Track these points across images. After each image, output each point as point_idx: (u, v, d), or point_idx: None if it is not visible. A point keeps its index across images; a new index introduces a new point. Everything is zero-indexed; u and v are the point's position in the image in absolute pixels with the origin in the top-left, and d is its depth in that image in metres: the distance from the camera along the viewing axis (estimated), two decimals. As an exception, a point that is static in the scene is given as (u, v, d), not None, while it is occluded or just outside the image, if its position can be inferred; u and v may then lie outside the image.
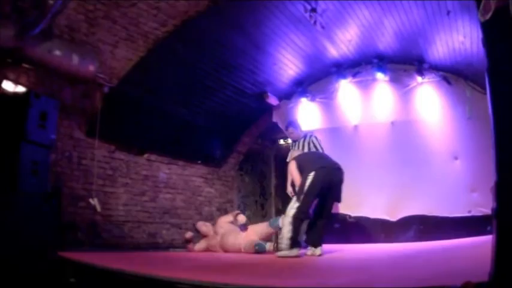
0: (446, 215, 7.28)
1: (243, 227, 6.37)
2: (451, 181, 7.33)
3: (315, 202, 5.11)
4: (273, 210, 10.53)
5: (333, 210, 5.58)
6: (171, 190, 8.19)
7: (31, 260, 3.80)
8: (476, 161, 7.07)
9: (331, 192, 5.12)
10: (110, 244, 6.66)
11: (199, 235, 6.83)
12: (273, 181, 10.87)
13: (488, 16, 2.16)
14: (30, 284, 3.53)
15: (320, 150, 6.20)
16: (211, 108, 8.28)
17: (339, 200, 5.31)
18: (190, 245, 6.69)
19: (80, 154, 6.48)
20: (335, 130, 7.79)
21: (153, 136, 7.67)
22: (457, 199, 7.24)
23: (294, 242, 4.81)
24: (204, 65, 7.27)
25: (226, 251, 6.28)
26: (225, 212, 9.40)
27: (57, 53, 5.52)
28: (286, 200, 7.02)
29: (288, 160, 7.05)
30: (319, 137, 6.53)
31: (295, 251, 4.78)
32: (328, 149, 6.57)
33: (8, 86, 5.35)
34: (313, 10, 6.20)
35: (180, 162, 8.47)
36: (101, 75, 6.29)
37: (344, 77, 8.36)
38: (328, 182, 5.04)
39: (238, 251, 6.05)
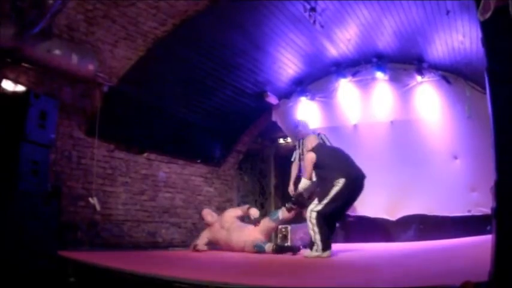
0: (446, 214, 7.28)
1: (257, 222, 6.26)
2: (451, 180, 7.32)
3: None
4: (273, 209, 10.52)
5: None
6: (170, 189, 8.19)
7: (31, 259, 3.80)
8: (476, 160, 7.07)
9: (353, 199, 5.12)
10: (110, 243, 6.66)
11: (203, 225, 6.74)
12: (273, 180, 10.87)
13: (487, 15, 2.16)
14: (30, 283, 3.53)
15: None
16: (210, 107, 8.28)
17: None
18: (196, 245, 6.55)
19: (79, 153, 6.48)
20: (334, 129, 7.78)
21: (152, 135, 7.67)
22: (457, 199, 7.24)
23: (326, 243, 4.75)
24: (204, 65, 7.26)
25: (230, 247, 6.20)
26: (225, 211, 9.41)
27: (57, 52, 5.51)
28: (286, 199, 7.05)
29: (292, 159, 7.07)
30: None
31: (327, 253, 4.71)
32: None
33: (8, 85, 5.34)
34: (313, 9, 6.19)
35: (180, 162, 8.47)
36: (101, 75, 6.28)
37: (344, 76, 8.35)
38: (355, 192, 5.01)
39: (242, 249, 6.00)
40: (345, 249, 5.45)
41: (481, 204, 6.75)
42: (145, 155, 7.70)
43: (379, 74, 8.03)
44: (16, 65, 5.45)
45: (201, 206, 8.79)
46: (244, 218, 6.51)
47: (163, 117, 7.63)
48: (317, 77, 8.73)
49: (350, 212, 7.90)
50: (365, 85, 8.32)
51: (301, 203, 5.72)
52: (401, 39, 7.23)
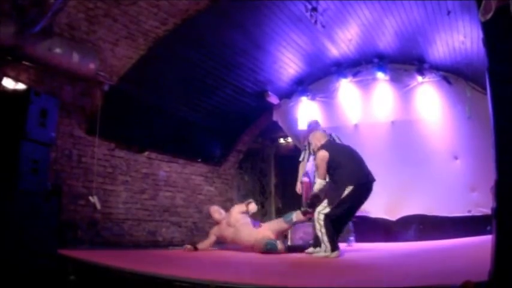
0: (446, 214, 7.29)
1: (256, 221, 6.18)
2: (451, 181, 7.33)
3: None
4: (273, 209, 10.53)
5: None
6: (171, 188, 8.19)
7: (31, 258, 3.80)
8: (476, 160, 7.08)
9: (361, 203, 5.04)
10: (110, 242, 6.67)
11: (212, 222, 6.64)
12: (273, 180, 10.87)
13: (488, 16, 2.16)
14: (30, 282, 3.53)
15: None
16: (211, 106, 8.28)
17: None
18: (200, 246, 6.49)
19: (80, 152, 6.48)
20: (335, 129, 7.75)
21: (153, 134, 7.67)
22: (457, 199, 7.24)
23: (334, 244, 4.70)
24: (204, 64, 7.26)
25: (238, 245, 6.07)
26: (225, 210, 9.41)
27: (58, 51, 5.51)
28: (286, 199, 7.04)
29: (300, 159, 7.07)
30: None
31: (335, 254, 4.65)
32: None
33: (8, 83, 5.35)
34: (314, 9, 6.20)
35: (180, 161, 8.47)
36: (101, 74, 6.29)
37: (344, 76, 8.36)
38: (363, 196, 4.94)
39: (251, 247, 5.86)
40: (345, 249, 5.45)
41: (481, 204, 6.76)
42: (145, 154, 7.71)
43: (380, 74, 8.04)
44: (17, 63, 5.45)
45: (201, 205, 8.81)
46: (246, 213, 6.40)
47: (164, 116, 7.63)
48: (318, 77, 8.74)
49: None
50: (366, 85, 8.33)
51: (316, 205, 5.45)
52: (402, 39, 7.23)
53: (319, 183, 5.11)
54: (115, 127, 6.93)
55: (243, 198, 10.10)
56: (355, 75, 8.38)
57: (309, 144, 7.02)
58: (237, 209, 6.27)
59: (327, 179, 5.04)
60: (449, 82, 7.69)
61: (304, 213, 5.71)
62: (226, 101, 8.34)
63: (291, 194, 7.26)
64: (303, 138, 9.32)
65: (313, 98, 8.78)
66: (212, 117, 8.50)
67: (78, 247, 5.57)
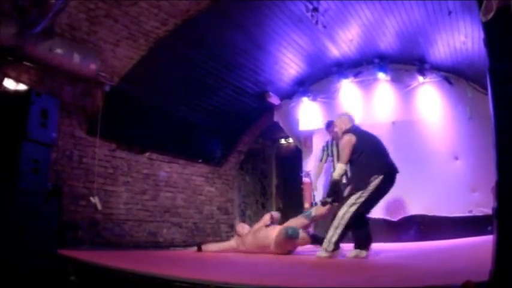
0: (447, 214, 7.29)
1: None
2: (452, 181, 7.33)
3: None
4: (274, 209, 10.51)
5: None
6: (171, 189, 8.19)
7: (31, 258, 3.80)
8: (477, 161, 7.08)
9: (384, 195, 4.79)
10: (111, 242, 6.67)
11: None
12: (274, 180, 10.88)
13: (489, 16, 2.16)
14: (30, 282, 3.53)
15: None
16: (212, 107, 8.28)
17: None
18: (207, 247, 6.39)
19: (80, 153, 6.48)
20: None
21: (154, 135, 7.67)
22: (458, 199, 7.24)
23: (337, 246, 4.57)
24: (205, 64, 7.27)
25: (256, 247, 5.82)
26: (225, 211, 9.43)
27: (59, 51, 5.52)
28: (287, 199, 7.04)
29: (320, 160, 7.11)
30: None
31: (337, 252, 4.56)
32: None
33: (9, 84, 5.35)
34: (315, 10, 6.20)
35: (181, 161, 8.47)
36: (102, 74, 6.30)
37: (345, 76, 8.36)
38: (388, 188, 4.71)
39: (268, 244, 5.60)
40: (346, 249, 5.44)
41: (482, 204, 6.76)
42: (146, 154, 7.71)
43: (381, 75, 8.04)
44: (18, 63, 5.46)
45: (202, 206, 8.82)
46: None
47: (165, 116, 7.64)
48: (319, 78, 8.75)
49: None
50: (367, 86, 8.33)
51: (337, 193, 5.12)
52: (403, 39, 7.23)
53: (339, 168, 4.83)
54: (116, 128, 6.93)
55: (243, 199, 10.12)
56: (356, 75, 8.38)
57: (327, 144, 7.09)
58: (262, 224, 6.13)
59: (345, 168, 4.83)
60: (450, 82, 7.69)
61: (324, 204, 5.39)
62: (227, 101, 8.35)
63: (292, 194, 7.27)
64: (295, 138, 9.37)
65: (314, 99, 8.78)
66: (213, 117, 8.51)
67: (78, 247, 5.57)
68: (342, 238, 4.58)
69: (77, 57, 5.73)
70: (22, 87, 5.41)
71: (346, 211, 4.49)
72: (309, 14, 6.28)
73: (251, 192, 10.47)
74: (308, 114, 8.80)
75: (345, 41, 7.45)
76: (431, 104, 7.85)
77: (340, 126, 5.10)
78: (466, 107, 7.47)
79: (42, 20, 5.04)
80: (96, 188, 6.58)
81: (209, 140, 9.00)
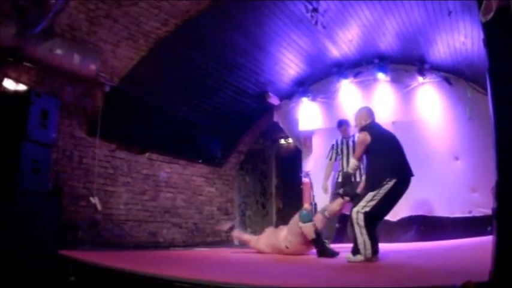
0: (447, 215, 7.28)
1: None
2: (452, 181, 7.32)
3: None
4: (274, 209, 10.53)
5: (344, 211, 5.51)
6: (171, 189, 8.19)
7: (31, 259, 3.80)
8: (477, 161, 7.07)
9: (399, 198, 4.55)
10: (111, 243, 6.67)
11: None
12: (274, 181, 10.87)
13: (489, 16, 2.16)
14: (30, 283, 3.53)
15: None
16: (212, 107, 8.29)
17: None
18: (234, 233, 6.37)
19: (80, 153, 6.49)
20: (336, 130, 7.75)
21: (154, 135, 7.67)
22: (458, 199, 7.23)
23: (375, 246, 4.27)
24: (205, 65, 7.27)
25: (272, 247, 5.69)
26: (226, 211, 9.43)
27: (59, 52, 5.52)
28: (287, 200, 7.03)
29: (329, 159, 7.09)
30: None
31: (375, 257, 4.27)
32: (329, 149, 6.63)
33: (9, 84, 5.35)
34: (315, 10, 6.20)
35: (181, 162, 8.47)
36: (102, 74, 6.30)
37: (345, 77, 8.35)
38: (402, 192, 4.48)
39: (279, 247, 5.48)
40: (346, 250, 5.44)
41: (482, 205, 6.74)
42: (146, 155, 7.71)
43: (381, 75, 8.03)
44: (18, 64, 5.46)
45: (202, 206, 8.82)
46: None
47: (165, 117, 7.64)
48: (319, 78, 8.74)
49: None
50: (367, 86, 8.32)
51: (349, 184, 5.05)
52: (403, 40, 7.23)
53: (352, 163, 4.82)
54: (116, 128, 6.94)
55: (244, 199, 10.12)
56: (356, 75, 8.38)
57: (337, 143, 7.08)
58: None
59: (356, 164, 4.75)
60: (450, 83, 7.69)
61: (335, 196, 5.32)
62: (227, 101, 8.35)
63: (292, 194, 7.27)
64: (296, 138, 9.36)
65: (314, 99, 8.78)
66: (213, 118, 8.51)
67: (78, 248, 5.57)
68: (375, 239, 4.33)
69: (77, 58, 5.73)
70: (22, 87, 5.41)
71: (357, 214, 4.32)
72: (308, 15, 6.28)
73: (251, 192, 10.47)
74: (308, 115, 8.79)
75: (345, 41, 7.45)
76: (431, 105, 7.84)
77: (359, 121, 4.91)
78: (466, 107, 7.46)
79: (42, 20, 5.04)
80: (96, 189, 6.58)
81: (209, 141, 9.00)
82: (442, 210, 7.34)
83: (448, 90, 7.73)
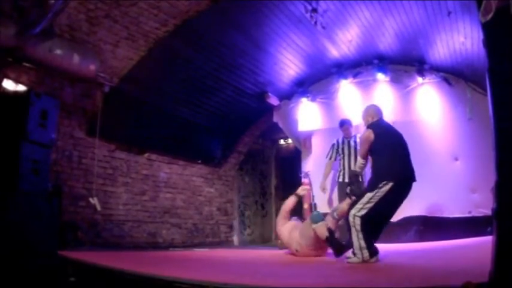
0: (447, 215, 7.28)
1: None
2: (452, 182, 7.32)
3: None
4: (273, 210, 10.54)
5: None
6: (171, 190, 8.19)
7: (31, 259, 3.80)
8: (476, 161, 7.07)
9: (400, 203, 4.52)
10: (110, 243, 6.66)
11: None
12: (273, 181, 10.89)
13: (489, 17, 2.17)
14: (31, 283, 3.53)
15: None
16: (211, 107, 8.28)
17: None
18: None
19: (80, 153, 6.48)
20: (335, 130, 7.75)
21: (153, 135, 7.67)
22: (458, 200, 7.23)
23: (372, 248, 4.23)
24: (205, 65, 7.26)
25: (285, 240, 5.76)
26: (225, 211, 9.43)
27: (58, 52, 5.52)
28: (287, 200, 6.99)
29: (328, 158, 7.11)
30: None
31: (374, 259, 4.21)
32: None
33: (9, 85, 5.35)
34: (314, 10, 6.20)
35: (181, 162, 8.47)
36: (102, 75, 6.29)
37: (345, 77, 8.35)
38: (402, 196, 4.46)
39: (290, 247, 5.53)
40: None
41: (482, 205, 6.75)
42: (146, 155, 7.70)
43: (380, 76, 8.03)
44: (17, 64, 5.45)
45: (201, 207, 8.82)
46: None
47: (164, 117, 7.63)
48: (318, 78, 8.74)
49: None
50: (366, 86, 8.32)
51: (356, 183, 5.01)
52: (403, 40, 7.23)
53: (358, 161, 4.85)
54: (115, 128, 6.93)
55: (243, 200, 10.12)
56: (355, 76, 8.37)
57: (337, 143, 7.09)
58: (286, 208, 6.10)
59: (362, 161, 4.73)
60: (449, 83, 7.69)
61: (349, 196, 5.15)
62: (227, 102, 8.35)
63: (291, 195, 7.25)
64: (295, 138, 9.36)
65: (313, 99, 8.78)
66: (212, 118, 8.51)
67: (78, 248, 5.57)
68: (371, 243, 4.28)
69: (76, 58, 5.72)
70: (22, 88, 5.40)
71: (353, 218, 4.29)
72: (308, 15, 6.28)
73: (250, 192, 10.48)
74: (307, 115, 8.79)
75: (344, 41, 7.45)
76: (431, 105, 7.84)
77: (366, 118, 4.87)
78: (466, 107, 7.46)
79: (41, 20, 5.03)
80: (96, 189, 6.58)
81: (209, 141, 8.99)
82: (441, 211, 7.35)
83: (447, 90, 7.74)
